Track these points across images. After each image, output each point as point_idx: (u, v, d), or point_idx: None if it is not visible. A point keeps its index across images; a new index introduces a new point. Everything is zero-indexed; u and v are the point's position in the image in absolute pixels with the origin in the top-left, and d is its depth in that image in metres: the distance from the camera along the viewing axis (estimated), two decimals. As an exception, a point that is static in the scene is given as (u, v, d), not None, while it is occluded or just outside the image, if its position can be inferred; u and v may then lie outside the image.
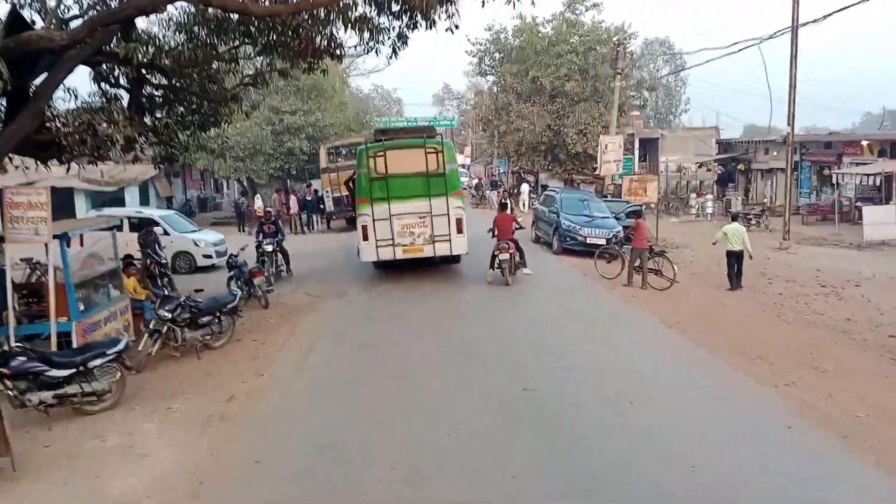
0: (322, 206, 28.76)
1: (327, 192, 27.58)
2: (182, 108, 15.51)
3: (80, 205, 31.10)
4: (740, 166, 38.14)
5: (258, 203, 30.38)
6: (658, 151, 46.68)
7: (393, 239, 16.07)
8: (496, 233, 16.47)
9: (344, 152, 27.13)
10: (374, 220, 15.99)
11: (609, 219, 21.01)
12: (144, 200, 32.62)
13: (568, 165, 39.41)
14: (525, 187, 39.47)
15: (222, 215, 36.88)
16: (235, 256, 15.88)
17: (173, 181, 38.86)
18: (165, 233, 19.63)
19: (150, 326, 11.32)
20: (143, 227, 19.59)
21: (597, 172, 28.79)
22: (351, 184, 17.97)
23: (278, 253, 17.63)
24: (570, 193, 22.70)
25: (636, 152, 45.25)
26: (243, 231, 28.67)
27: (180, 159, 16.99)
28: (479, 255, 17.08)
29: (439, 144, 16.12)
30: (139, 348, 11.15)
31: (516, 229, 16.81)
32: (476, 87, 53.62)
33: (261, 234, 17.76)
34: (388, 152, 15.97)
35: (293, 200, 28.49)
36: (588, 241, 20.10)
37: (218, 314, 12.08)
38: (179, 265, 19.77)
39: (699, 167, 38.40)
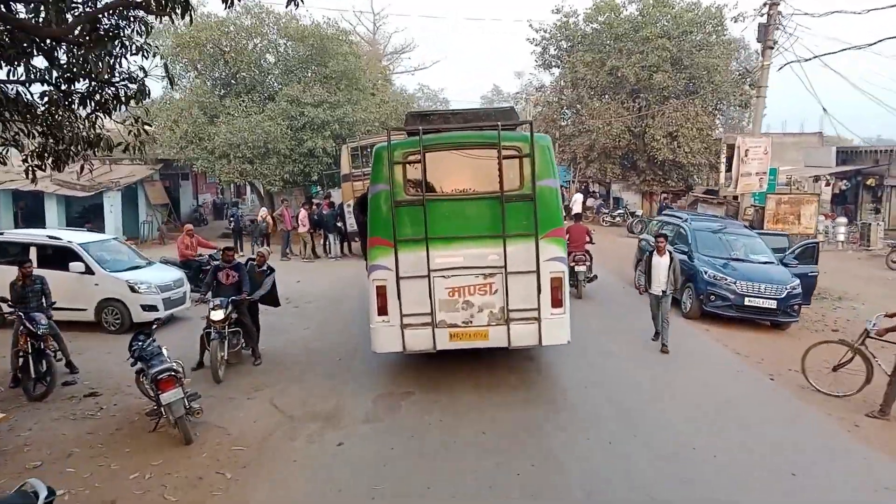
0: (340, 224, 21.12)
1: (348, 205, 19.95)
2: (49, 73, 8.04)
3: (52, 212, 24.21)
4: (869, 181, 29.39)
5: (262, 214, 23.00)
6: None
7: (434, 314, 8.39)
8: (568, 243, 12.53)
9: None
10: (398, 279, 8.31)
11: (774, 265, 12.95)
12: (132, 209, 25.62)
13: (648, 175, 31.23)
14: (578, 197, 31.68)
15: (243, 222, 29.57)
16: (143, 340, 8.24)
17: (181, 184, 31.92)
18: (88, 270, 12.28)
19: None
20: (57, 258, 12.46)
21: (730, 190, 20.62)
22: (361, 210, 10.35)
23: (237, 325, 10.05)
24: (704, 221, 14.64)
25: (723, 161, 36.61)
26: (242, 252, 21.28)
27: (71, 159, 9.45)
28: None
29: (524, 141, 8.32)
30: None
31: (588, 242, 14.79)
32: (534, 85, 45.35)
33: (211, 288, 10.23)
34: (429, 154, 8.28)
35: (302, 214, 20.92)
36: (747, 304, 12.07)
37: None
38: (107, 320, 12.37)
39: (815, 181, 29.77)
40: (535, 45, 33.05)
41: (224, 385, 9.33)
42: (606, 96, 31.21)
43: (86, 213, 25.64)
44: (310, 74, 27.58)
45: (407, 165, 8.39)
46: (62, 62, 7.91)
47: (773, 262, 13.02)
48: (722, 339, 11.52)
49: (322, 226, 21.27)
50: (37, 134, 9.02)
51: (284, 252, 21.23)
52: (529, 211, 8.21)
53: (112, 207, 24.19)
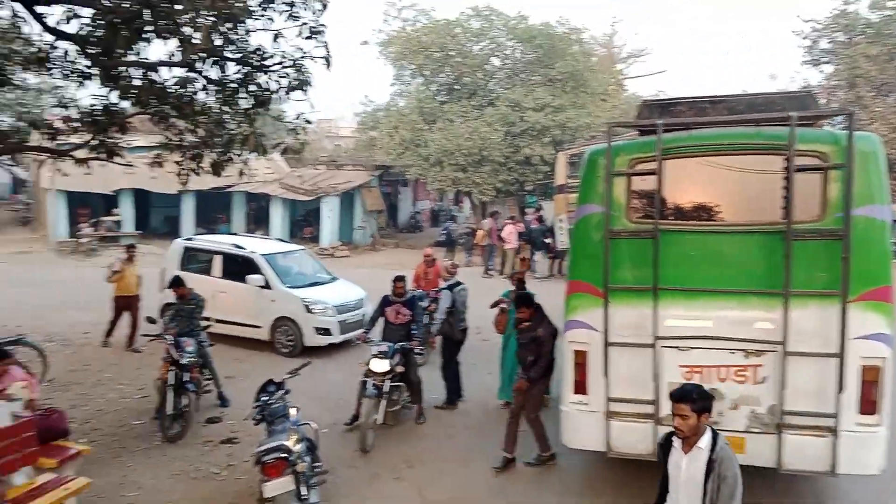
0: (548, 241, 18.40)
1: (560, 220, 17.24)
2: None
3: (277, 215, 24.81)
4: None
5: (486, 226, 20.84)
6: None
7: (658, 403, 5.44)
8: None
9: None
10: (607, 346, 5.51)
11: None
12: (348, 214, 25.39)
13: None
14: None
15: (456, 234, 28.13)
16: (272, 391, 6.22)
17: (401, 190, 31.59)
18: (266, 285, 11.06)
19: None
20: (241, 269, 11.37)
21: None
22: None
23: (400, 379, 7.86)
24: None
25: None
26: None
27: (229, 161, 8.01)
28: None
29: (834, 144, 5.07)
30: None
31: None
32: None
33: (374, 325, 8.29)
34: (670, 161, 5.39)
35: (509, 230, 18.58)
36: None
37: None
38: (280, 340, 11.05)
39: None
40: (803, 38, 27.55)
41: (372, 453, 7.23)
42: (893, 96, 24.96)
43: (307, 217, 26.01)
44: (534, 78, 25.46)
45: (633, 178, 5.58)
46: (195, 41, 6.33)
47: None
48: None
49: (529, 241, 18.83)
50: (195, 133, 7.76)
51: (487, 268, 19.15)
52: (833, 256, 4.96)
53: (330, 212, 24.06)
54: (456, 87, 25.89)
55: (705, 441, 3.78)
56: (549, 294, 12.03)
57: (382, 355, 7.45)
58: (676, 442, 3.91)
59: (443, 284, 9.06)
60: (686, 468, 3.85)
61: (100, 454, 6.79)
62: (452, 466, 6.89)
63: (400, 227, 30.64)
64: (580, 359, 5.74)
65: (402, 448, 7.36)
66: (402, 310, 8.02)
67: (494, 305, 9.05)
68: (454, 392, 8.74)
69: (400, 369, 7.65)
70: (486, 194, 23.04)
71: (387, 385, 7.45)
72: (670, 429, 4.05)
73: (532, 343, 6.50)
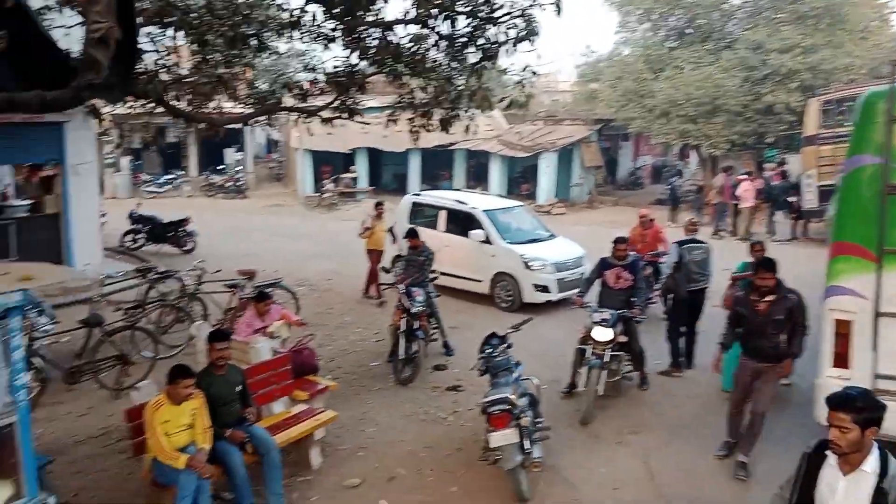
0: (791, 200, 16.39)
1: (808, 176, 15.26)
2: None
3: (496, 171, 25.42)
4: None
5: (718, 182, 19.30)
6: None
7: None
8: None
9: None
10: (877, 316, 4.79)
11: None
12: (566, 170, 25.05)
13: None
14: None
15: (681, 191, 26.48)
16: (495, 345, 6.26)
17: (621, 145, 30.45)
18: (487, 240, 11.29)
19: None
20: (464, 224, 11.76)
21: None
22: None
23: (621, 347, 7.39)
24: None
25: None
26: (674, 222, 18.35)
27: (456, 118, 8.22)
28: None
29: None
30: None
31: None
32: None
33: (590, 286, 7.96)
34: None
35: (745, 186, 16.77)
36: None
37: None
38: (499, 295, 11.25)
39: None
40: None
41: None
42: None
43: (524, 174, 26.12)
44: (781, 15, 22.74)
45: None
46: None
47: None
48: None
49: (769, 200, 17.04)
50: (426, 90, 8.07)
51: (718, 229, 17.75)
52: None
53: (547, 168, 23.91)
54: (688, 30, 24.05)
55: (872, 463, 2.93)
56: (792, 259, 10.85)
57: (605, 323, 7.12)
58: (832, 458, 3.05)
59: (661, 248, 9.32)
60: (844, 493, 3.00)
61: (342, 390, 7.44)
62: (678, 437, 6.56)
63: (619, 183, 29.57)
64: (843, 329, 5.06)
65: (624, 413, 7.15)
66: (623, 274, 7.55)
67: (734, 282, 8.24)
68: (681, 357, 8.27)
69: (622, 338, 7.27)
70: (719, 147, 21.22)
71: (608, 355, 7.08)
72: None
73: (787, 317, 5.52)
